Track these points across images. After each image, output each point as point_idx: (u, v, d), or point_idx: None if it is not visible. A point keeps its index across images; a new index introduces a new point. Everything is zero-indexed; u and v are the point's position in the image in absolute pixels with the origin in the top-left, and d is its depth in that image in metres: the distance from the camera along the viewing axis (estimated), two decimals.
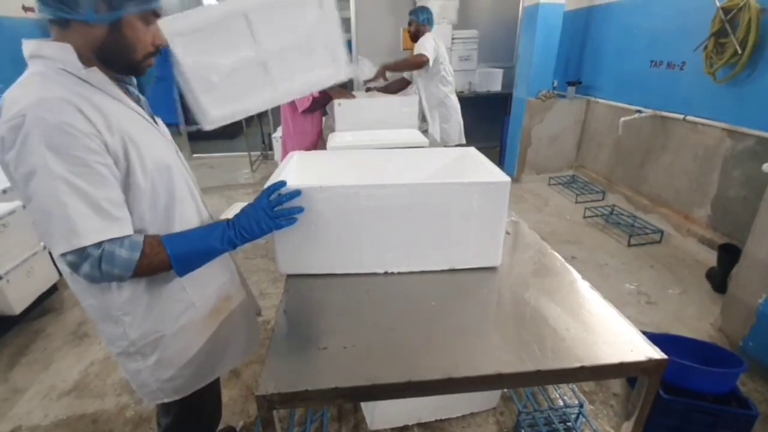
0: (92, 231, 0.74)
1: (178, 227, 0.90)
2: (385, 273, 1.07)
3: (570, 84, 4.45)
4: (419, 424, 1.69)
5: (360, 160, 1.32)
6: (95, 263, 0.75)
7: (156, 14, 0.84)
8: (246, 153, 5.67)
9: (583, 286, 1.03)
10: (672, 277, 2.72)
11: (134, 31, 0.80)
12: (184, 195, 0.94)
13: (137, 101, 0.92)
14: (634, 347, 0.80)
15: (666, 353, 1.04)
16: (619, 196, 3.87)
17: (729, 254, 2.49)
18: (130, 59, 0.83)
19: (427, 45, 2.98)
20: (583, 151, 4.59)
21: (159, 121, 1.00)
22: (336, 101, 2.83)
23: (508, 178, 1.02)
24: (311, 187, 0.98)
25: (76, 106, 0.73)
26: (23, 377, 2.03)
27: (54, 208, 0.72)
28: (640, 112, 3.44)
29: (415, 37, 3.13)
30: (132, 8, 0.78)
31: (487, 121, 5.65)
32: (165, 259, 0.82)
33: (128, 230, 0.79)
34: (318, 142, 3.08)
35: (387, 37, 5.71)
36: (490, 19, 5.69)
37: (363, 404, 1.70)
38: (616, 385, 1.91)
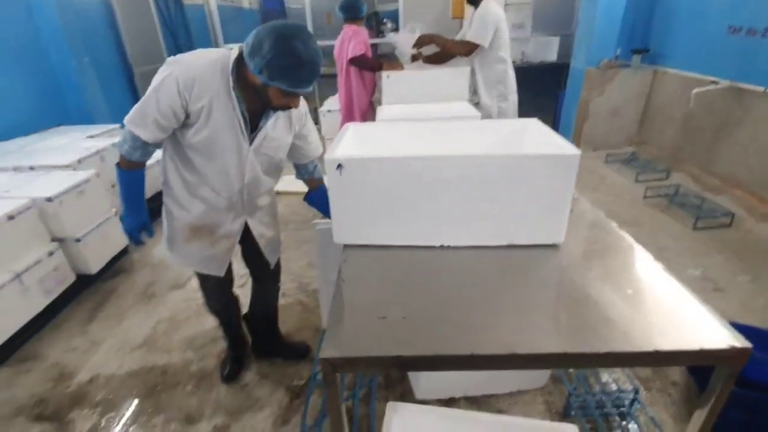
0: (132, 121, 1.24)
1: (201, 172, 1.37)
2: (441, 246, 1.06)
3: (635, 52, 4.09)
4: (466, 398, 1.71)
5: (416, 132, 1.30)
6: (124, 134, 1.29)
7: (295, 93, 1.19)
8: None
9: (655, 268, 0.97)
10: (742, 264, 2.51)
11: (275, 95, 1.18)
12: (225, 165, 1.35)
13: (243, 116, 1.29)
14: (714, 334, 0.75)
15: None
16: (685, 175, 3.58)
17: None
18: (264, 103, 1.25)
19: (488, 20, 2.64)
20: (646, 126, 4.26)
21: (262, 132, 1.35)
22: (384, 73, 2.79)
23: (577, 151, 0.96)
24: (369, 159, 0.98)
25: (189, 79, 1.17)
26: (100, 331, 2.25)
27: (139, 103, 1.23)
28: (714, 83, 3.12)
29: (473, 1, 2.77)
30: (277, 85, 1.13)
31: (540, 94, 5.34)
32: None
33: (145, 137, 1.24)
34: (369, 112, 3.08)
35: (436, 3, 5.48)
36: None
37: (411, 374, 1.73)
38: (676, 373, 1.82)
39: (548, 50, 5.30)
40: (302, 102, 1.36)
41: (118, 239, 2.81)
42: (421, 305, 0.86)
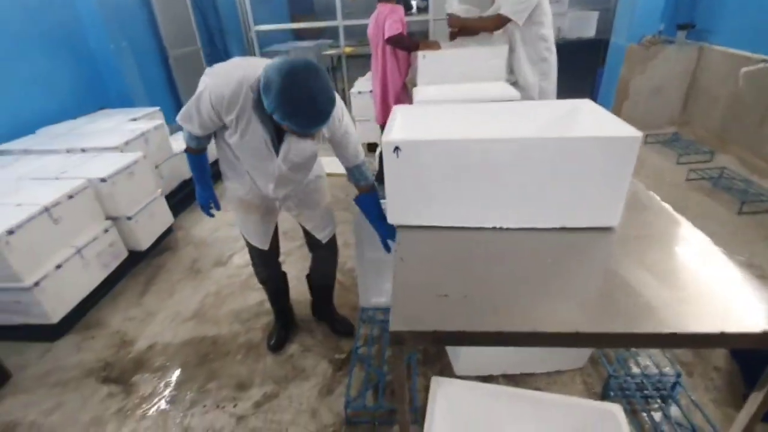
0: (182, 119, 1.40)
1: (238, 167, 1.53)
2: (494, 228, 1.09)
3: (680, 28, 3.89)
4: (504, 376, 1.76)
5: (465, 114, 1.31)
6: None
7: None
8: None
9: (712, 251, 0.97)
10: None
11: (289, 129, 1.26)
12: (256, 164, 1.48)
13: (269, 131, 1.38)
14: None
15: None
16: (731, 157, 3.43)
17: None
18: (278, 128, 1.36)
19: None
20: (690, 105, 4.07)
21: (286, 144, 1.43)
22: (421, 53, 2.76)
23: (639, 133, 0.95)
24: (425, 141, 1.00)
25: (219, 96, 1.28)
26: (153, 303, 2.39)
27: (187, 105, 1.37)
28: (766, 61, 2.94)
29: None
30: (287, 125, 1.20)
31: (577, 72, 5.14)
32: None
33: (194, 132, 1.41)
34: (403, 94, 3.06)
35: None
36: None
37: (450, 351, 1.79)
38: (718, 358, 1.81)
39: (586, 26, 5.08)
40: (337, 105, 1.29)
41: (164, 218, 2.95)
42: (479, 285, 0.89)
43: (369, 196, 1.57)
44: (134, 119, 3.52)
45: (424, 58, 2.74)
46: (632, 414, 1.59)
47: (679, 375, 1.66)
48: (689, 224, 1.09)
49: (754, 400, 0.86)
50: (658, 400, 1.62)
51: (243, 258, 2.76)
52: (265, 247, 1.76)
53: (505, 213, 1.07)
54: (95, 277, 2.32)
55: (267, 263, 1.86)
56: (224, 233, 3.09)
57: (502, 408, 1.36)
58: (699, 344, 0.93)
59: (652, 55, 3.93)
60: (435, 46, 2.83)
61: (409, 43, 2.84)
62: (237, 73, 1.28)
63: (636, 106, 4.14)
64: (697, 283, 0.87)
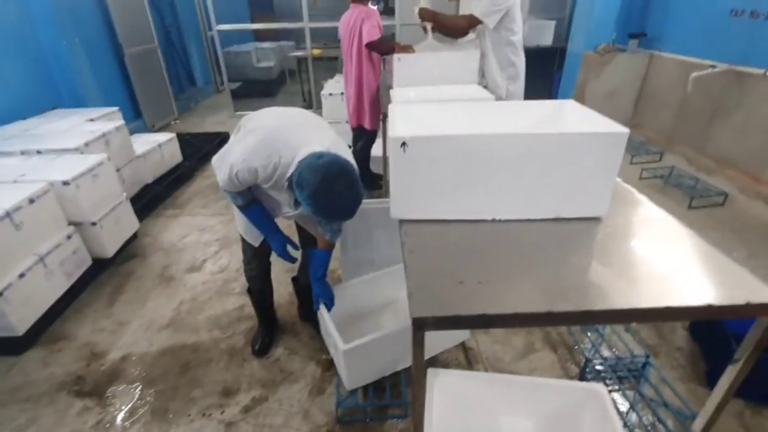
0: (227, 189, 1.46)
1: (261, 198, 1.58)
2: (493, 220, 1.13)
3: (632, 36, 4.19)
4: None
5: (458, 113, 1.35)
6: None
7: None
8: None
9: (689, 235, 1.07)
10: (738, 240, 2.67)
11: None
12: (273, 203, 1.59)
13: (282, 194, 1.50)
14: (755, 290, 0.85)
15: None
16: (680, 157, 3.73)
17: None
18: None
19: (501, 1, 2.59)
20: (641, 109, 4.39)
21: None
22: (396, 56, 2.80)
23: (626, 129, 1.03)
24: (432, 137, 1.03)
25: (253, 174, 1.36)
26: (124, 312, 2.27)
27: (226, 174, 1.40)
28: (713, 67, 3.24)
29: None
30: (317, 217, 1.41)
31: (537, 76, 5.39)
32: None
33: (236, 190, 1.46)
34: (377, 96, 3.09)
35: None
36: None
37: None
38: (680, 339, 1.97)
39: (544, 34, 5.36)
40: None
41: (130, 223, 2.81)
42: (490, 272, 0.93)
43: (325, 253, 1.64)
44: (91, 120, 3.33)
45: (399, 61, 2.78)
46: (609, 393, 1.69)
47: (648, 356, 1.79)
48: (665, 212, 1.19)
49: (732, 371, 0.95)
50: (632, 380, 1.74)
51: (217, 264, 2.68)
52: (256, 244, 1.73)
53: (503, 205, 1.12)
54: (59, 286, 2.17)
55: (258, 261, 1.83)
56: (194, 238, 2.99)
57: (497, 394, 1.41)
58: (688, 317, 1.02)
59: (606, 62, 4.21)
60: (410, 50, 2.89)
61: (387, 47, 2.87)
62: (274, 158, 1.32)
63: (592, 108, 4.40)
64: (682, 263, 0.96)
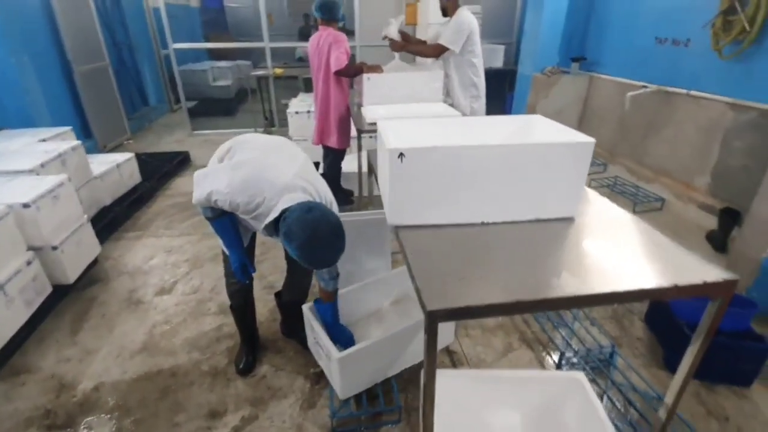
0: (198, 199, 1.45)
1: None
2: (482, 223, 1.24)
3: (574, 60, 4.61)
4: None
5: (438, 128, 1.47)
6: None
7: None
8: (251, 129, 5.69)
9: (648, 229, 1.23)
10: (676, 240, 2.97)
11: None
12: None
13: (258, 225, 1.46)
14: (710, 272, 1.00)
15: (689, 302, 1.27)
16: (621, 167, 4.11)
17: (730, 217, 2.76)
18: None
19: (462, 29, 2.88)
20: (584, 125, 4.80)
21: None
22: (365, 76, 2.93)
23: (592, 139, 1.18)
24: (427, 148, 1.12)
25: (235, 206, 1.38)
26: (91, 340, 2.14)
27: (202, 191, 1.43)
28: (645, 87, 3.64)
29: (445, 11, 3.03)
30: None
31: (491, 97, 5.76)
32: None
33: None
34: (346, 115, 3.17)
35: (389, 10, 5.72)
36: None
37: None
38: (638, 330, 2.17)
39: (495, 57, 5.77)
40: None
41: (92, 246, 2.67)
42: (487, 268, 1.03)
43: (330, 305, 1.72)
44: (44, 140, 3.15)
45: (369, 81, 2.91)
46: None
47: (614, 346, 1.96)
48: (625, 211, 1.36)
49: (692, 351, 1.10)
50: (602, 368, 1.89)
51: (189, 284, 2.61)
52: None
53: (490, 209, 1.23)
54: (19, 316, 2.02)
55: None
56: (161, 260, 2.88)
57: (487, 389, 1.50)
58: (657, 296, 1.17)
59: (553, 83, 4.59)
60: (378, 69, 3.01)
61: (355, 71, 2.96)
62: (258, 198, 1.34)
63: None
64: (648, 252, 1.10)
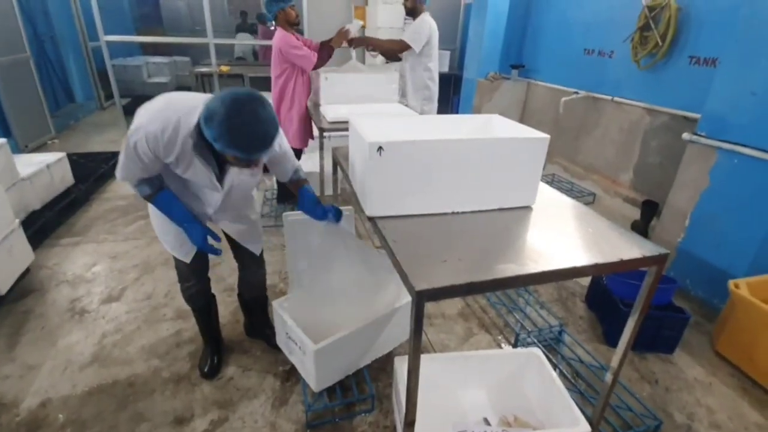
0: (124, 179, 1.36)
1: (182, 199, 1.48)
2: (453, 213, 1.33)
3: (513, 67, 4.95)
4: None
5: (407, 124, 1.55)
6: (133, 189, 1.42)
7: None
8: None
9: (595, 215, 1.39)
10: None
11: (232, 159, 1.26)
12: (195, 194, 1.51)
13: (213, 168, 1.39)
14: (647, 248, 1.17)
15: (618, 279, 1.48)
16: (557, 166, 4.49)
17: (650, 208, 3.13)
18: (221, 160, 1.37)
19: (423, 30, 3.02)
20: None
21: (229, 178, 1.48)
22: (323, 75, 2.94)
23: (547, 135, 1.32)
24: (405, 142, 1.19)
25: (155, 140, 1.25)
26: (32, 355, 1.97)
27: (122, 162, 1.33)
28: (576, 93, 4.02)
29: (411, 12, 3.13)
30: (231, 153, 1.21)
31: (439, 99, 6.01)
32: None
33: (141, 175, 1.35)
34: (306, 114, 3.15)
35: (338, 13, 5.76)
36: (434, 2, 5.97)
37: None
38: (580, 310, 2.41)
39: (442, 62, 5.99)
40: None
41: (24, 254, 2.44)
42: (462, 252, 1.12)
43: (306, 191, 1.62)
44: None
45: (326, 80, 2.93)
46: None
47: (561, 325, 2.17)
48: (573, 201, 1.53)
49: (632, 321, 1.27)
50: (553, 345, 2.08)
51: (140, 291, 2.47)
52: (187, 259, 1.64)
53: (460, 200, 1.32)
54: None
55: (196, 278, 1.75)
56: (106, 267, 2.70)
57: (456, 369, 1.60)
58: (604, 270, 1.33)
59: (496, 88, 4.89)
60: (344, 34, 2.95)
61: (326, 53, 2.93)
62: (173, 118, 1.24)
63: None
64: (596, 234, 1.26)
